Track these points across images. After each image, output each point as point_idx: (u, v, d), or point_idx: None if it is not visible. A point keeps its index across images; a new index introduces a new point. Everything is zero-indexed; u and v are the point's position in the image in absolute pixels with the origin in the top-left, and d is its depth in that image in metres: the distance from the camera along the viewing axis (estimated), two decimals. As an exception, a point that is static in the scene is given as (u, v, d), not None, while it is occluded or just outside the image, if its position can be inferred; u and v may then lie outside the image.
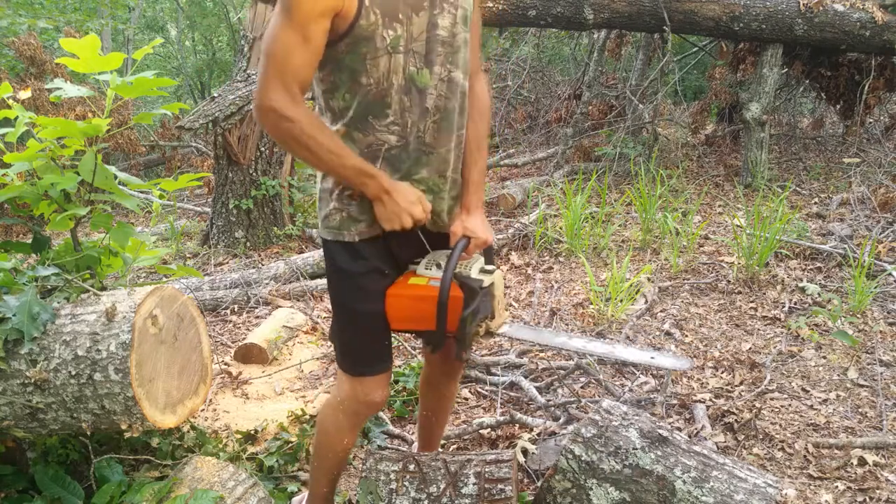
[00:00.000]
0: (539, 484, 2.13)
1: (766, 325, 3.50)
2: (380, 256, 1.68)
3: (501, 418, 2.62)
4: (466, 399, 2.89)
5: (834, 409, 2.70)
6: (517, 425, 2.59)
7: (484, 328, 1.69)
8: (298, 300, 4.11)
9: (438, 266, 1.68)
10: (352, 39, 1.50)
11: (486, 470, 1.93)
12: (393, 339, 3.35)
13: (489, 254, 1.77)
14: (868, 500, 2.16)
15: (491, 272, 1.70)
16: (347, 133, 1.60)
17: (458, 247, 1.63)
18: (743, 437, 2.50)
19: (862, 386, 2.86)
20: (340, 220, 1.66)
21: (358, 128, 1.59)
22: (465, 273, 1.64)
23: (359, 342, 1.74)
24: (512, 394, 2.87)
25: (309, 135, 1.50)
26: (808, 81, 7.01)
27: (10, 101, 1.98)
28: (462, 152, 1.71)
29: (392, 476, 1.95)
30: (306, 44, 1.46)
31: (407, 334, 3.21)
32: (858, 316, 3.48)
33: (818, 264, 4.25)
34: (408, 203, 1.58)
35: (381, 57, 1.52)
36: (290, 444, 2.44)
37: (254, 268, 4.60)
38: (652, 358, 1.81)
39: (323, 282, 4.16)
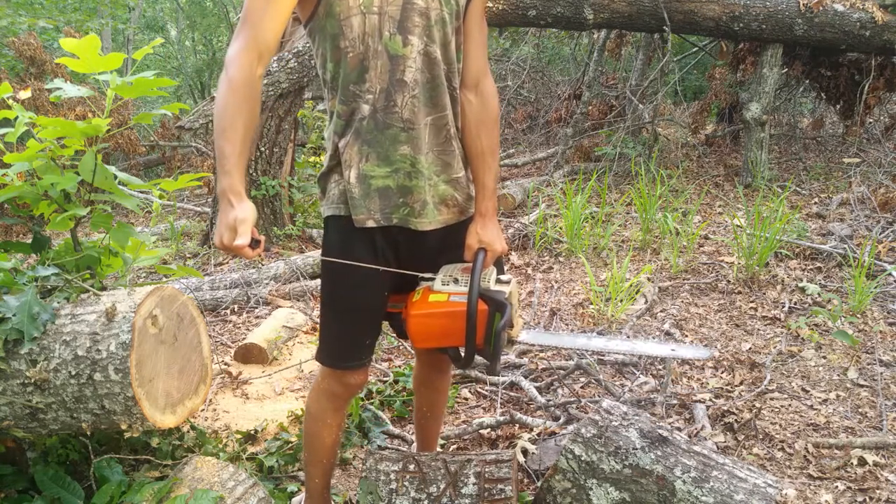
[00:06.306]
0: (539, 484, 2.13)
1: (766, 325, 3.50)
2: (373, 250, 1.66)
3: (501, 418, 2.62)
4: (466, 399, 2.89)
5: (834, 409, 2.70)
6: (517, 425, 2.59)
7: (506, 338, 1.68)
8: (298, 300, 4.11)
9: (456, 281, 1.66)
10: (326, 1, 1.52)
11: (486, 470, 1.93)
12: (393, 339, 3.37)
13: (499, 261, 1.76)
14: (868, 500, 2.16)
15: (507, 282, 1.69)
16: (336, 106, 1.61)
17: (479, 260, 1.61)
18: (743, 437, 2.50)
19: (862, 386, 2.86)
20: (339, 194, 1.65)
21: (342, 99, 1.60)
22: (484, 286, 1.62)
23: (344, 337, 1.74)
24: (512, 394, 2.87)
25: (227, 96, 1.45)
26: (808, 81, 7.01)
27: (10, 101, 1.98)
28: (449, 137, 1.67)
29: (392, 476, 1.95)
30: (271, 2, 1.48)
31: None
32: (858, 316, 3.48)
33: (818, 264, 4.25)
34: (223, 225, 1.41)
35: (355, 17, 1.52)
36: (290, 445, 2.44)
37: (254, 268, 4.60)
38: (672, 350, 1.84)
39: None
